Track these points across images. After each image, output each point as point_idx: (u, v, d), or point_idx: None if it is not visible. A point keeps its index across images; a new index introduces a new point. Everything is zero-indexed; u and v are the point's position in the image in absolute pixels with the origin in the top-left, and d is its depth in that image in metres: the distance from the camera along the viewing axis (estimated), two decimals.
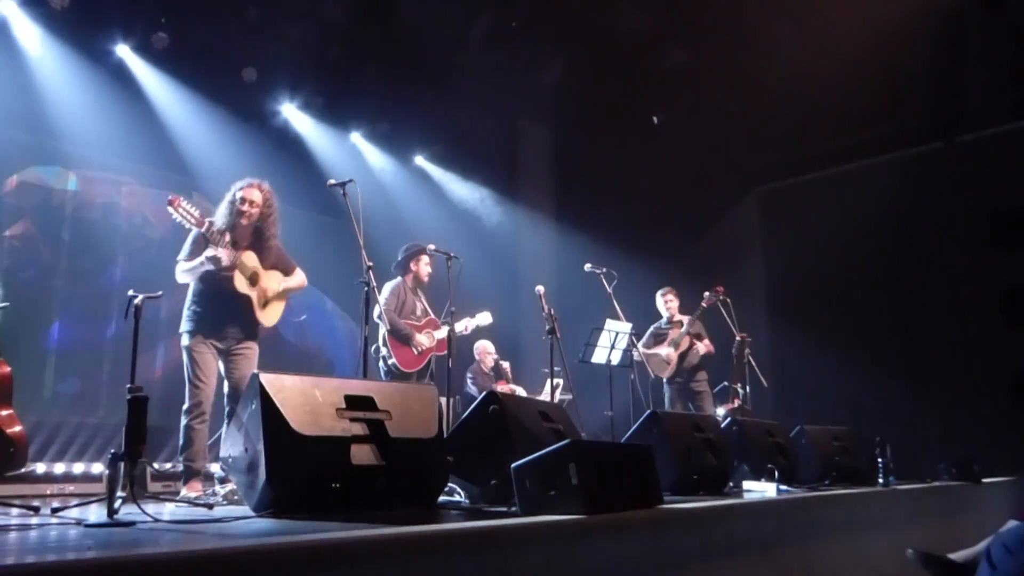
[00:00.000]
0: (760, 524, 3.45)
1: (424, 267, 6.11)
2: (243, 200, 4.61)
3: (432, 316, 6.10)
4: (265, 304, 4.70)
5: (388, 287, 6.13)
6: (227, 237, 4.51)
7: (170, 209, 4.39)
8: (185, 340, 4.55)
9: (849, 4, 7.33)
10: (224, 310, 4.56)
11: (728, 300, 7.39)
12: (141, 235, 7.73)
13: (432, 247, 6.04)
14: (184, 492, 4.29)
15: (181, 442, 4.45)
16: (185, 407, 4.48)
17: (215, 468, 4.61)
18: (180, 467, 4.52)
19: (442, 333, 6.00)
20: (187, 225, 4.45)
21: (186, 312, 4.61)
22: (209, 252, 4.41)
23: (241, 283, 4.54)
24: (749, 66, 8.15)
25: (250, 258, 4.62)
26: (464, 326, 6.51)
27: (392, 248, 6.33)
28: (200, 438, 4.45)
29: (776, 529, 3.53)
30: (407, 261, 6.13)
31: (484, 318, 6.68)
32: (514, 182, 10.42)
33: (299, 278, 4.94)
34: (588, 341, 6.58)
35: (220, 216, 4.63)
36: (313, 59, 8.07)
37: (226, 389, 4.60)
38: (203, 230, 4.44)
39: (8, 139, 6.74)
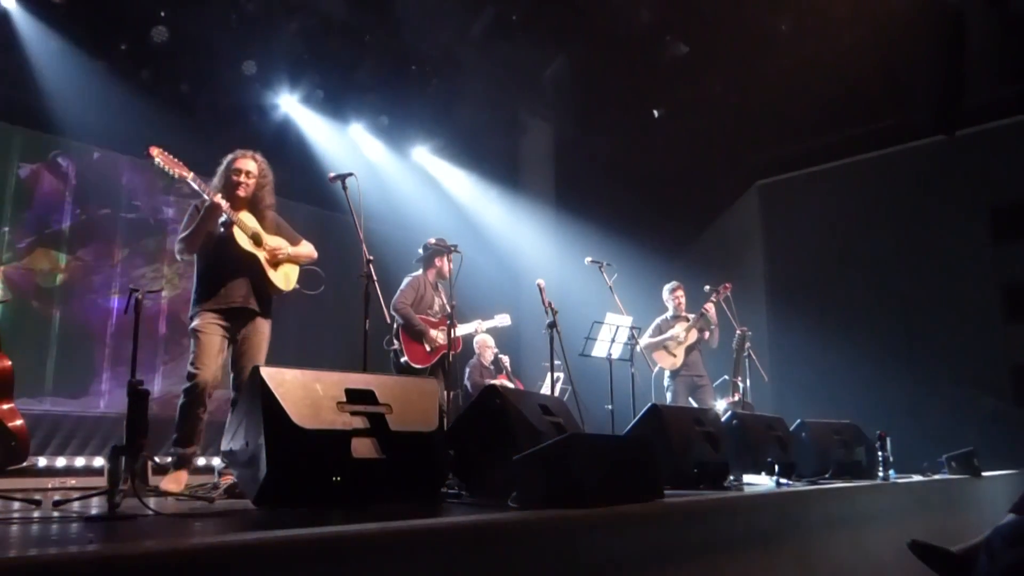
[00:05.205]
0: (760, 518, 3.45)
1: (447, 264, 6.03)
2: (238, 171, 4.42)
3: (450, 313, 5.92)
4: (276, 265, 4.47)
5: (407, 280, 6.09)
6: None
7: (153, 156, 4.17)
8: (194, 321, 4.34)
9: None
10: (231, 273, 4.32)
11: (729, 294, 7.40)
12: (141, 228, 7.72)
13: (432, 240, 6.03)
14: (171, 476, 4.11)
15: (176, 423, 4.23)
16: (183, 387, 4.27)
17: (215, 461, 4.58)
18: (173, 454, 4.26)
19: (459, 331, 5.92)
20: (171, 172, 4.21)
21: (193, 295, 4.42)
22: (208, 203, 4.18)
23: (243, 240, 4.31)
24: (750, 60, 8.15)
25: (249, 219, 4.40)
26: (475, 328, 6.48)
27: (393, 242, 6.32)
28: (191, 419, 4.20)
29: (776, 523, 3.53)
30: (432, 256, 6.09)
31: (503, 319, 6.64)
32: (514, 175, 10.42)
33: (308, 248, 4.70)
34: (588, 335, 6.59)
35: (215, 189, 4.41)
36: (313, 52, 8.06)
37: (231, 378, 4.40)
38: (190, 179, 4.23)
39: (7, 132, 6.74)
